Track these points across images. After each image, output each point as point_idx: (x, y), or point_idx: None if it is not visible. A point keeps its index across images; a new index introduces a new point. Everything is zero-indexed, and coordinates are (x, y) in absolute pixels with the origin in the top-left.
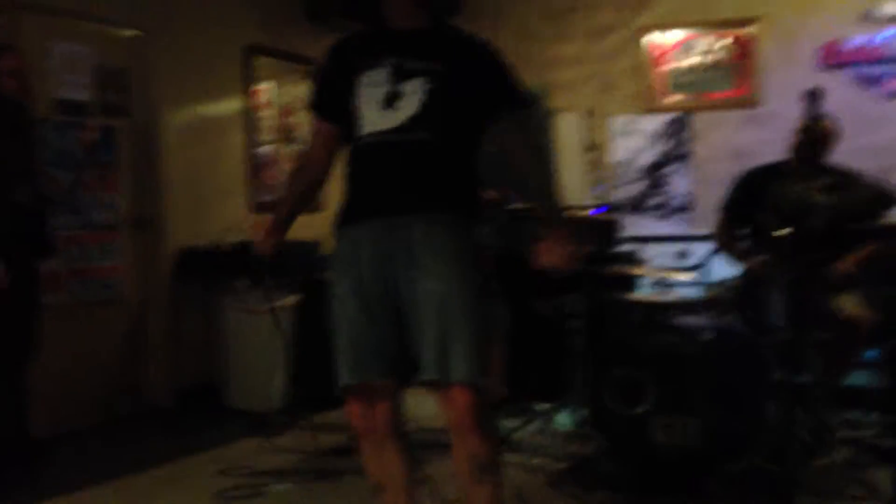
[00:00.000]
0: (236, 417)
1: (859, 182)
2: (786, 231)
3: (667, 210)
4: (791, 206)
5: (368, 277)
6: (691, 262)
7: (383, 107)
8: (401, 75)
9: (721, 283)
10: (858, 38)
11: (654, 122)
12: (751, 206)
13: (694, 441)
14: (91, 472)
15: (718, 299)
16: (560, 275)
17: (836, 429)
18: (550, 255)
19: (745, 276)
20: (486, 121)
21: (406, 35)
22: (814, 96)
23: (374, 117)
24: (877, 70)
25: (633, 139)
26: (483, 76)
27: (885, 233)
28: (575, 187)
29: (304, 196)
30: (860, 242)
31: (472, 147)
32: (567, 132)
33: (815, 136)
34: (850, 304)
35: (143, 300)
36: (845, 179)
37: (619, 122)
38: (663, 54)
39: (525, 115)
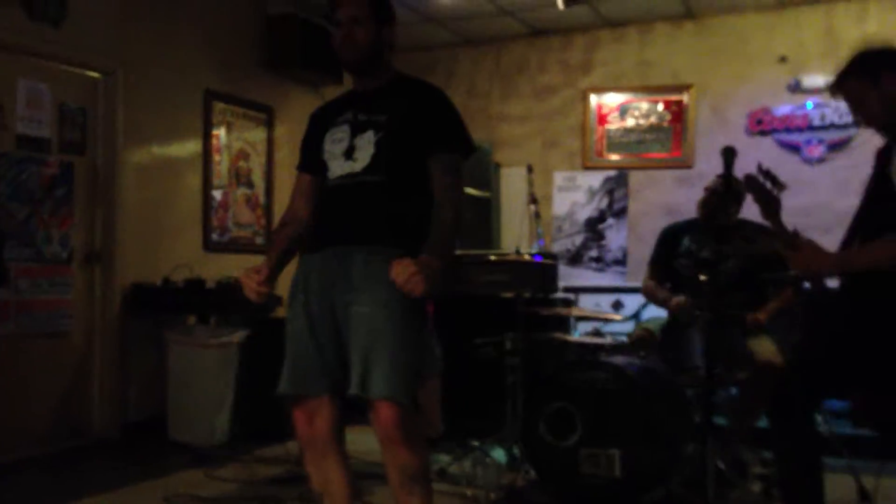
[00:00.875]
0: (180, 450)
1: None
2: (700, 278)
3: (604, 262)
4: (702, 258)
5: (314, 300)
6: (625, 312)
7: (344, 159)
8: (356, 130)
9: (646, 326)
10: (784, 108)
11: (593, 179)
12: (670, 259)
13: (617, 471)
14: (34, 500)
15: (643, 340)
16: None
17: (752, 465)
18: (400, 273)
19: (667, 320)
20: (431, 160)
21: (364, 95)
22: (726, 154)
23: (336, 167)
24: (800, 137)
25: (574, 194)
26: (427, 120)
27: (794, 282)
28: (518, 238)
29: (290, 239)
30: (774, 289)
31: (421, 188)
32: (512, 185)
33: (719, 193)
34: (763, 350)
35: (92, 334)
36: (754, 233)
37: (560, 177)
38: (604, 115)
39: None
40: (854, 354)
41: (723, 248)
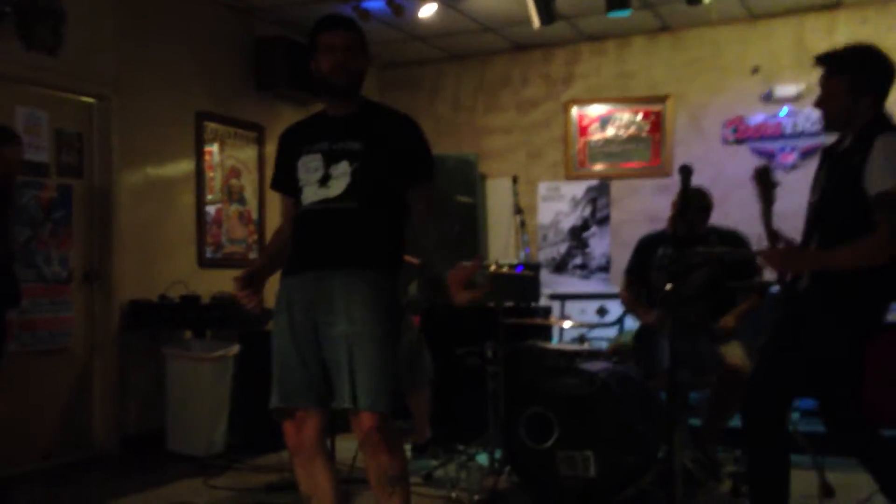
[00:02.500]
0: (179, 461)
1: (738, 245)
2: (668, 287)
3: (588, 270)
4: (672, 268)
5: (298, 320)
6: (610, 317)
7: (318, 186)
8: (331, 159)
9: (622, 334)
10: (758, 116)
11: (576, 189)
12: (646, 269)
13: (592, 472)
14: None
15: (619, 348)
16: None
17: (723, 463)
18: (459, 294)
19: (640, 328)
20: (404, 188)
21: (336, 120)
22: (683, 172)
23: (310, 192)
24: (775, 145)
25: (558, 204)
26: (401, 151)
27: (761, 288)
28: (504, 247)
29: (275, 257)
30: (741, 294)
31: (395, 212)
32: (497, 196)
33: (685, 207)
34: (732, 354)
35: (91, 350)
36: (724, 242)
37: (544, 187)
38: (586, 126)
39: (430, 187)
40: (816, 354)
41: (689, 258)
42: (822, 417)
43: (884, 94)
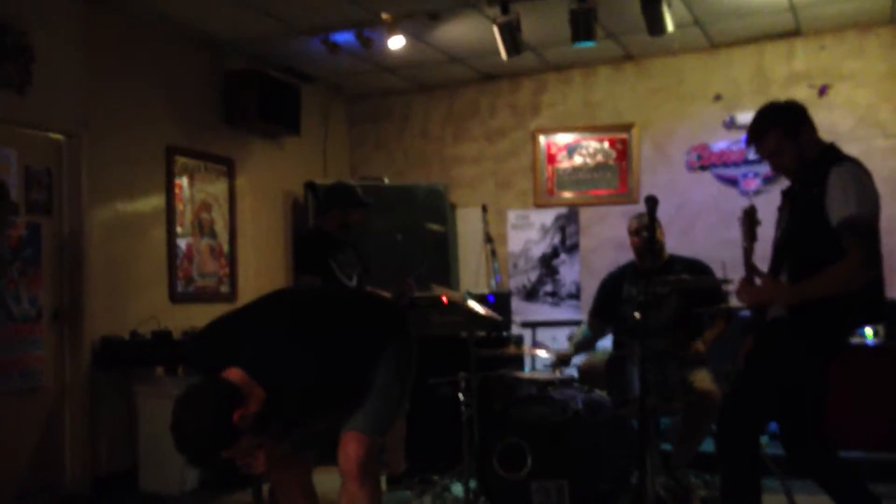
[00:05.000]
0: (152, 501)
1: (703, 273)
2: (636, 316)
3: (558, 297)
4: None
5: None
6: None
7: None
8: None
9: (594, 354)
10: (721, 143)
11: (545, 216)
12: (614, 307)
13: (566, 501)
14: None
15: (590, 375)
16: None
17: (694, 488)
18: None
19: (610, 356)
20: None
21: None
22: (650, 202)
23: None
24: (738, 171)
25: (527, 232)
26: None
27: (727, 314)
28: (475, 276)
29: None
30: (709, 320)
31: None
32: (467, 225)
33: (640, 239)
34: (701, 380)
35: (62, 389)
36: (688, 271)
37: (514, 215)
38: (554, 155)
39: None
40: (784, 380)
41: (658, 289)
42: (783, 441)
43: (811, 124)
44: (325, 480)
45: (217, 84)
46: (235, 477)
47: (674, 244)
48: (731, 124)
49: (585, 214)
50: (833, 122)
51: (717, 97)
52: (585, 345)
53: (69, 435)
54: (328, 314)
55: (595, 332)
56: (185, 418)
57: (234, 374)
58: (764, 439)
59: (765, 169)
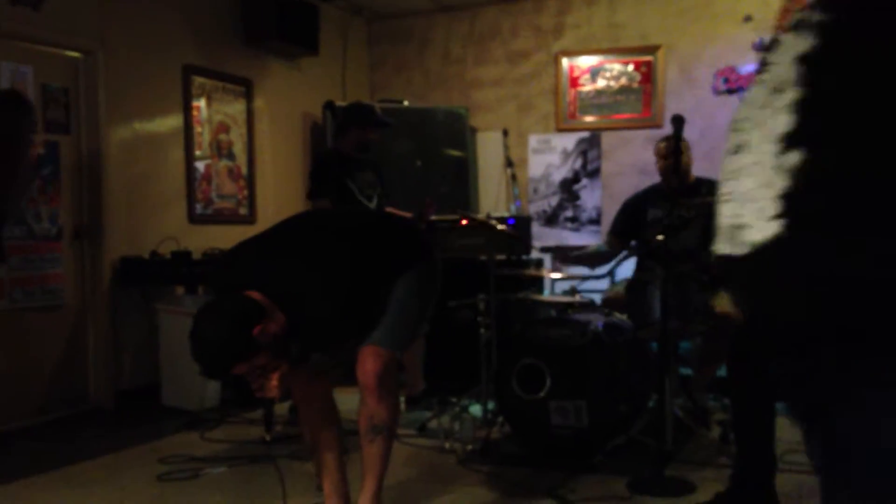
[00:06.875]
0: (174, 415)
1: None
2: (659, 238)
3: (579, 222)
4: (665, 222)
5: None
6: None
7: None
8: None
9: (616, 284)
10: (749, 66)
11: (567, 141)
12: (633, 228)
13: (584, 421)
14: (37, 463)
15: (611, 298)
16: None
17: (713, 411)
18: None
19: (632, 279)
20: None
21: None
22: (677, 121)
23: None
24: None
25: (548, 156)
26: None
27: None
28: (495, 201)
29: None
30: None
31: None
32: (487, 149)
33: (666, 158)
34: (722, 303)
35: (84, 307)
36: (714, 194)
37: (535, 140)
38: (576, 78)
39: None
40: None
41: (682, 212)
42: None
43: None
44: (348, 400)
45: (235, 3)
46: (254, 396)
47: (697, 169)
48: (760, 46)
49: (608, 139)
50: None
51: (748, 18)
52: (599, 257)
53: (92, 350)
54: (350, 241)
55: (612, 250)
56: (205, 325)
57: (256, 296)
58: None
59: None
